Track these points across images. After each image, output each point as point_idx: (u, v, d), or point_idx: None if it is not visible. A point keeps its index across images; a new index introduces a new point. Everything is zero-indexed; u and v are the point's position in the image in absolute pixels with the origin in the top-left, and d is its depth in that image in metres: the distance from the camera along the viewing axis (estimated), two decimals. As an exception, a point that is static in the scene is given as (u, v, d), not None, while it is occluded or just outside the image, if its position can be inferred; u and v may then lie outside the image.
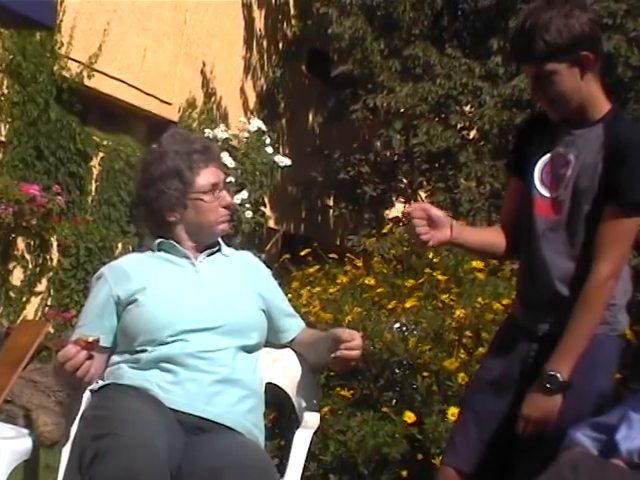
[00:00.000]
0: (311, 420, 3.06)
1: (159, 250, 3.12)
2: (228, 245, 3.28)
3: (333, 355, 2.88)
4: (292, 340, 3.21)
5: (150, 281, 3.01)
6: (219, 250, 3.18)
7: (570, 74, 2.88)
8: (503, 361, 3.06)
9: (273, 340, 3.19)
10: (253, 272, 3.21)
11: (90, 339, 2.70)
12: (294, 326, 3.22)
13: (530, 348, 2.99)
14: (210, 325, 2.94)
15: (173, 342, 2.89)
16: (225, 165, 9.30)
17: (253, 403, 2.97)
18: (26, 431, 3.37)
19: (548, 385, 2.81)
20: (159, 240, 3.11)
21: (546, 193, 2.98)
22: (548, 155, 3.00)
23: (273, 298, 3.19)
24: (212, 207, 3.08)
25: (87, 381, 2.75)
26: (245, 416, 2.92)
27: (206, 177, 3.07)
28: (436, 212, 3.03)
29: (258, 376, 3.06)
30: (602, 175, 2.84)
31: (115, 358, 2.98)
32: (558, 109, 2.97)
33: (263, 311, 3.11)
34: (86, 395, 2.93)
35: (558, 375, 2.80)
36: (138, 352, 2.91)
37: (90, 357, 2.70)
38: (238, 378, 2.93)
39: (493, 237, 3.21)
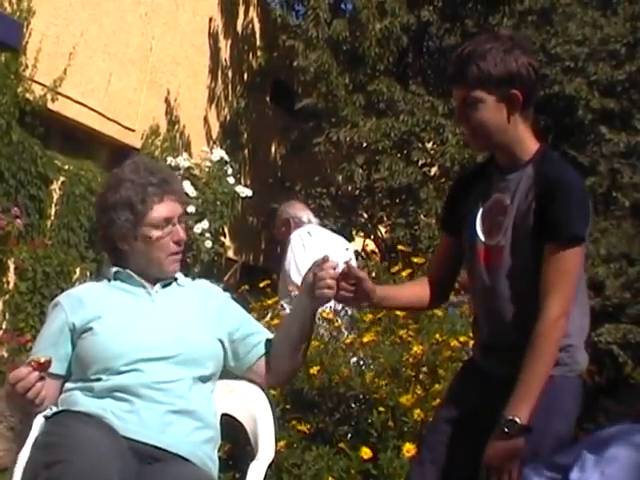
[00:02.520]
0: (266, 453, 3.05)
1: (115, 279, 3.11)
2: (186, 275, 3.28)
3: (312, 297, 3.03)
4: (269, 350, 3.18)
5: (105, 310, 3.00)
6: (175, 280, 3.18)
7: (496, 108, 2.91)
8: (463, 403, 3.06)
9: (246, 362, 3.17)
10: (210, 300, 3.20)
11: (42, 360, 2.69)
12: (266, 338, 3.20)
13: (490, 391, 2.94)
14: (165, 354, 2.93)
15: (128, 372, 2.88)
16: (186, 194, 9.29)
17: (208, 435, 2.96)
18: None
19: (507, 430, 2.77)
20: (115, 269, 3.12)
21: (487, 241, 2.99)
22: (486, 203, 3.02)
23: (235, 320, 3.19)
24: (162, 243, 3.07)
25: (38, 403, 2.73)
26: (200, 447, 2.91)
27: (159, 212, 3.05)
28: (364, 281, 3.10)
29: (213, 408, 3.05)
30: (536, 214, 2.86)
31: (69, 385, 2.97)
32: (479, 140, 3.00)
33: (220, 341, 3.10)
34: (39, 421, 2.91)
35: (517, 419, 2.76)
36: (92, 381, 2.90)
37: (42, 378, 2.69)
38: (193, 409, 2.92)
39: (420, 292, 3.27)
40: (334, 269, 3.00)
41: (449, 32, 12.65)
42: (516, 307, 2.93)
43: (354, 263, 6.27)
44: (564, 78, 11.70)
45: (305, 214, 6.74)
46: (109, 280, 3.13)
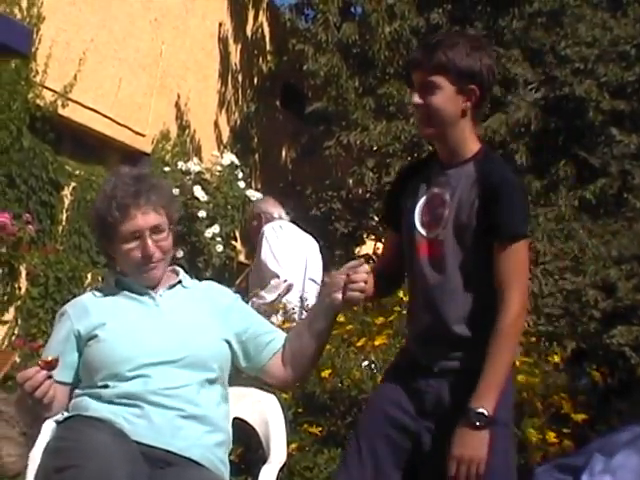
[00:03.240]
0: (278, 456, 3.05)
1: (119, 286, 3.12)
2: (198, 279, 3.29)
3: (341, 299, 2.99)
4: (281, 349, 3.15)
5: (110, 317, 3.01)
6: (180, 282, 3.18)
7: (454, 98, 3.00)
8: (399, 394, 3.06)
9: (258, 361, 3.15)
10: (216, 300, 3.20)
11: (49, 358, 2.71)
12: (277, 337, 3.18)
13: (427, 384, 3.01)
14: (170, 358, 2.93)
15: (134, 378, 2.89)
16: (197, 199, 9.32)
17: (219, 438, 2.96)
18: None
19: (477, 423, 2.82)
20: (117, 277, 3.14)
21: (426, 234, 3.05)
22: (425, 197, 3.09)
23: (244, 321, 3.18)
24: (131, 256, 3.06)
25: (46, 403, 2.74)
26: (211, 450, 2.91)
27: (124, 227, 3.03)
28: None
29: (223, 410, 3.05)
30: (479, 212, 2.96)
31: (78, 392, 2.98)
32: (431, 127, 3.06)
33: (227, 341, 3.10)
34: (50, 426, 2.92)
35: (485, 412, 2.82)
36: (100, 387, 2.91)
37: (50, 377, 2.70)
38: (203, 414, 2.92)
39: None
40: (367, 273, 3.00)
41: (458, 35, 12.63)
42: (454, 301, 2.99)
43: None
44: (574, 80, 11.67)
45: (276, 210, 6.97)
46: (113, 287, 3.14)
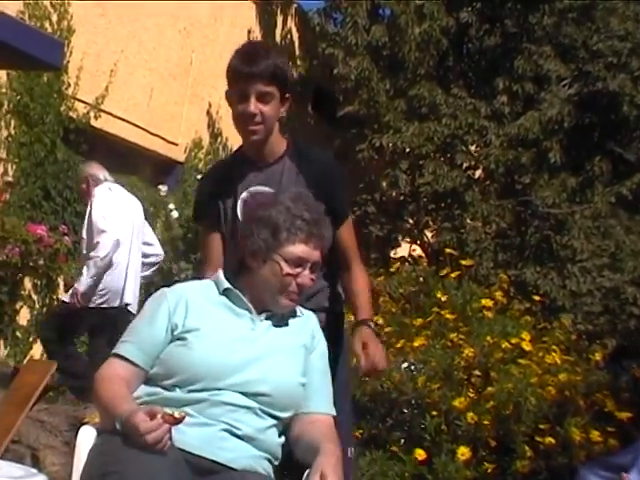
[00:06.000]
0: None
1: (224, 294, 3.06)
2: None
3: None
4: (302, 416, 3.00)
5: (205, 324, 2.94)
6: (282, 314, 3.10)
7: (279, 107, 3.35)
8: None
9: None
10: (308, 338, 3.10)
11: (177, 415, 2.62)
12: (315, 405, 3.03)
13: None
14: (246, 390, 2.88)
15: (203, 391, 2.85)
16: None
17: (267, 456, 2.92)
18: (34, 470, 3.34)
19: (374, 330, 3.48)
20: (226, 286, 3.06)
21: None
22: (245, 195, 3.40)
23: (311, 366, 3.07)
24: (286, 279, 2.99)
25: (160, 448, 2.64)
26: (258, 461, 2.87)
27: (297, 248, 2.98)
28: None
29: (278, 440, 2.97)
30: (322, 197, 3.23)
31: (144, 390, 2.93)
32: (262, 133, 3.36)
33: (303, 385, 3.02)
34: (93, 433, 2.90)
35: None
36: (165, 389, 2.87)
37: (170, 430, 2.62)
38: (257, 437, 2.86)
39: None
40: None
41: (489, 33, 12.59)
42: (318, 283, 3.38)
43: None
44: (607, 74, 11.60)
45: (101, 172, 7.44)
46: (218, 291, 3.06)
